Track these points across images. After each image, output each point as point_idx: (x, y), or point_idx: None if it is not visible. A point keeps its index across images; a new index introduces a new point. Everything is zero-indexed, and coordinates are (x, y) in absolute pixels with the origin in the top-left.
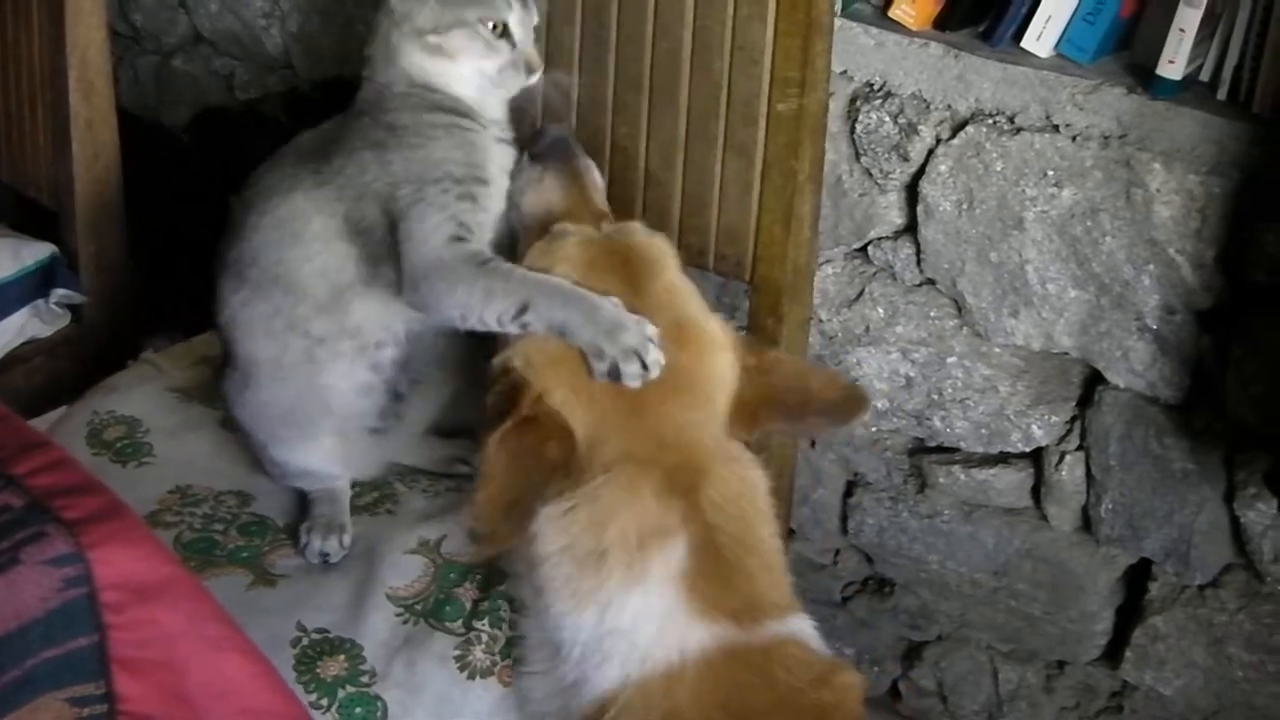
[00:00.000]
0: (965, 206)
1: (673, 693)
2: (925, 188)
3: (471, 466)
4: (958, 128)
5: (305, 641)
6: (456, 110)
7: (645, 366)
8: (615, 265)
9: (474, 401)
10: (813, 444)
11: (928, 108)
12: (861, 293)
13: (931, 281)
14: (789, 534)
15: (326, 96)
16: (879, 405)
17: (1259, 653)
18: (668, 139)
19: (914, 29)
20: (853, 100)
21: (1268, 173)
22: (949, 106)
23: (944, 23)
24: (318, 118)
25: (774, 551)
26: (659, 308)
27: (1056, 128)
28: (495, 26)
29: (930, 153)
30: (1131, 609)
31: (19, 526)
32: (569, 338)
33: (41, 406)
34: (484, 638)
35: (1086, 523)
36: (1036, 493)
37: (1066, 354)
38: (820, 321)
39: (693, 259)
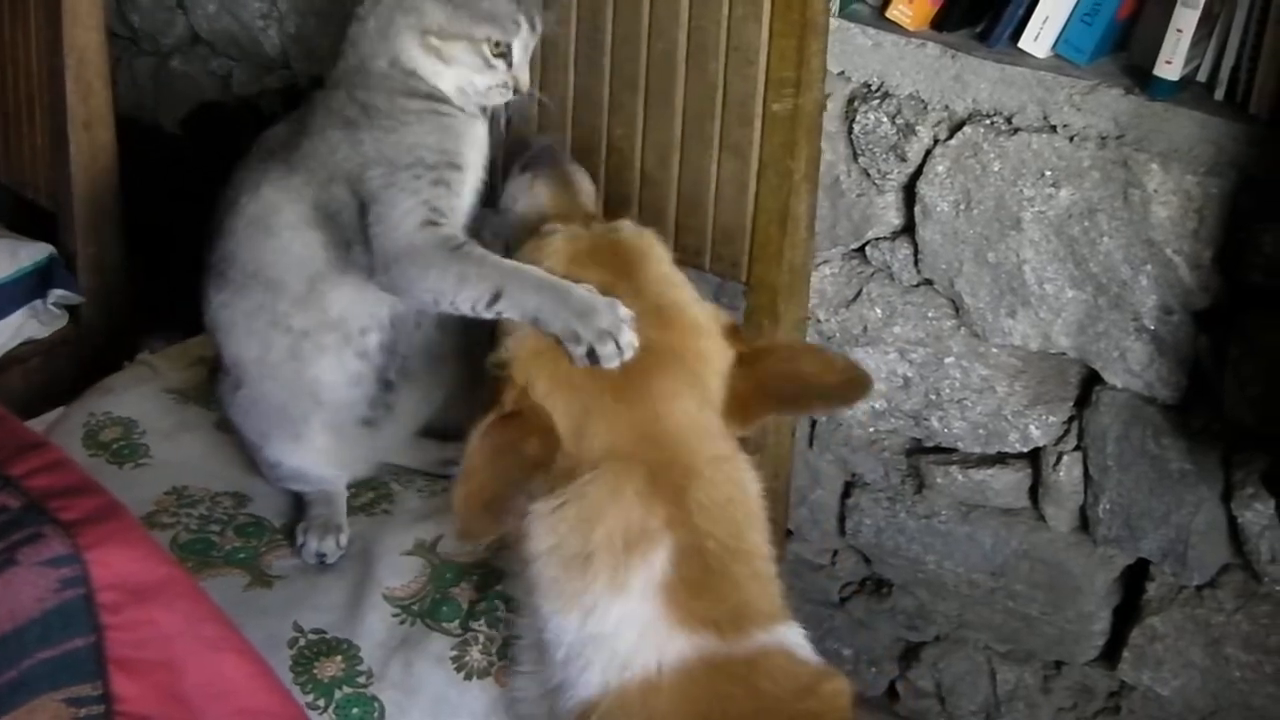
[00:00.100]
0: (963, 207)
1: (650, 703)
2: (923, 188)
3: None
4: (955, 128)
5: (302, 642)
6: (434, 97)
7: (620, 347)
8: (602, 257)
9: (467, 403)
10: (811, 444)
11: (925, 108)
12: (859, 293)
13: (929, 282)
14: (786, 535)
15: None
16: (876, 406)
17: (1256, 653)
18: (663, 139)
19: (911, 29)
20: (850, 101)
21: (1265, 173)
22: (946, 107)
23: (941, 23)
24: None
25: (764, 558)
26: (644, 295)
27: (1054, 128)
28: (498, 45)
29: (928, 153)
30: (1129, 609)
31: (16, 527)
32: (543, 324)
33: (39, 407)
34: (481, 638)
35: (1084, 523)
36: (1034, 493)
37: (1064, 354)
38: (818, 322)
39: (689, 259)
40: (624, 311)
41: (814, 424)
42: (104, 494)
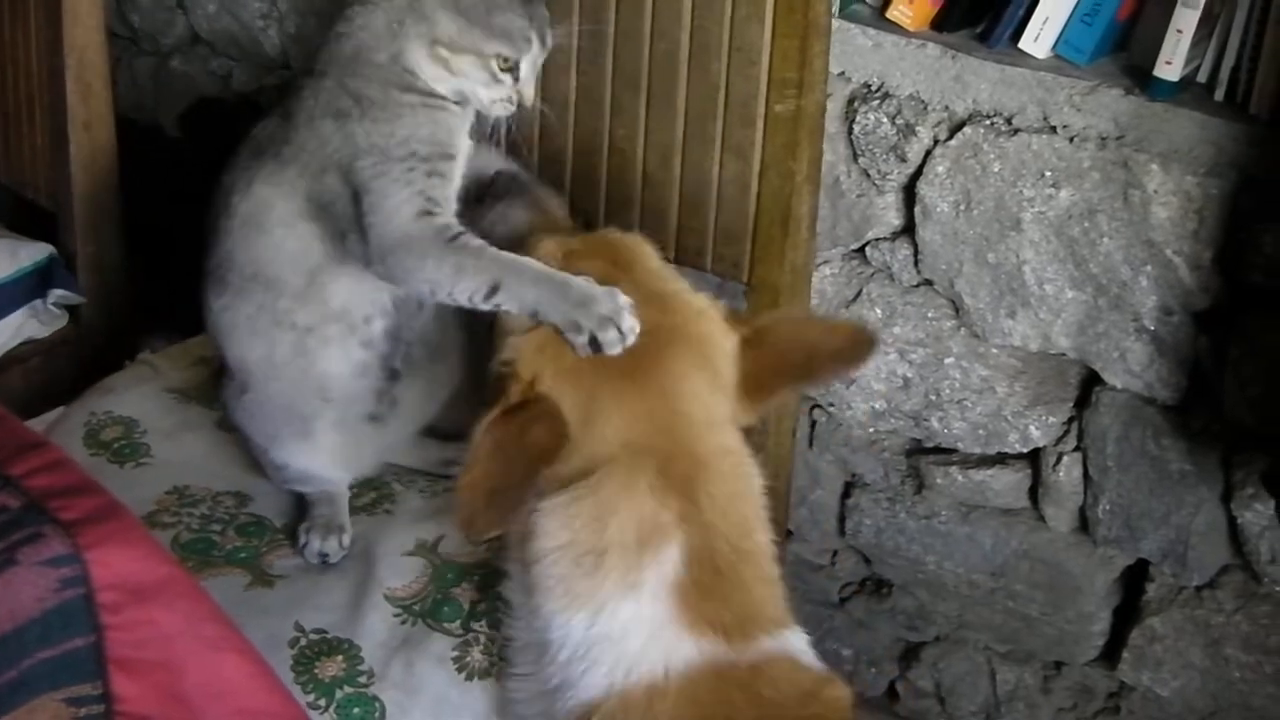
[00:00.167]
0: (963, 207)
1: (654, 709)
2: (923, 189)
3: None
4: (955, 129)
5: (303, 642)
6: (430, 93)
7: (622, 333)
8: (595, 254)
9: (470, 402)
10: (811, 445)
11: (925, 109)
12: (859, 293)
13: (929, 282)
14: (786, 535)
15: None
16: (876, 406)
17: (1256, 653)
18: (665, 140)
19: (911, 30)
20: (850, 101)
21: (1265, 174)
22: (946, 107)
23: (941, 24)
24: None
25: (768, 559)
26: (641, 286)
27: (1054, 129)
28: (506, 61)
29: (928, 154)
30: (1129, 610)
31: (16, 527)
32: (542, 316)
33: (39, 407)
34: (482, 639)
35: (1084, 523)
36: (1034, 493)
37: (1064, 355)
38: None
39: (690, 260)
40: (623, 299)
41: (813, 425)
42: (104, 494)
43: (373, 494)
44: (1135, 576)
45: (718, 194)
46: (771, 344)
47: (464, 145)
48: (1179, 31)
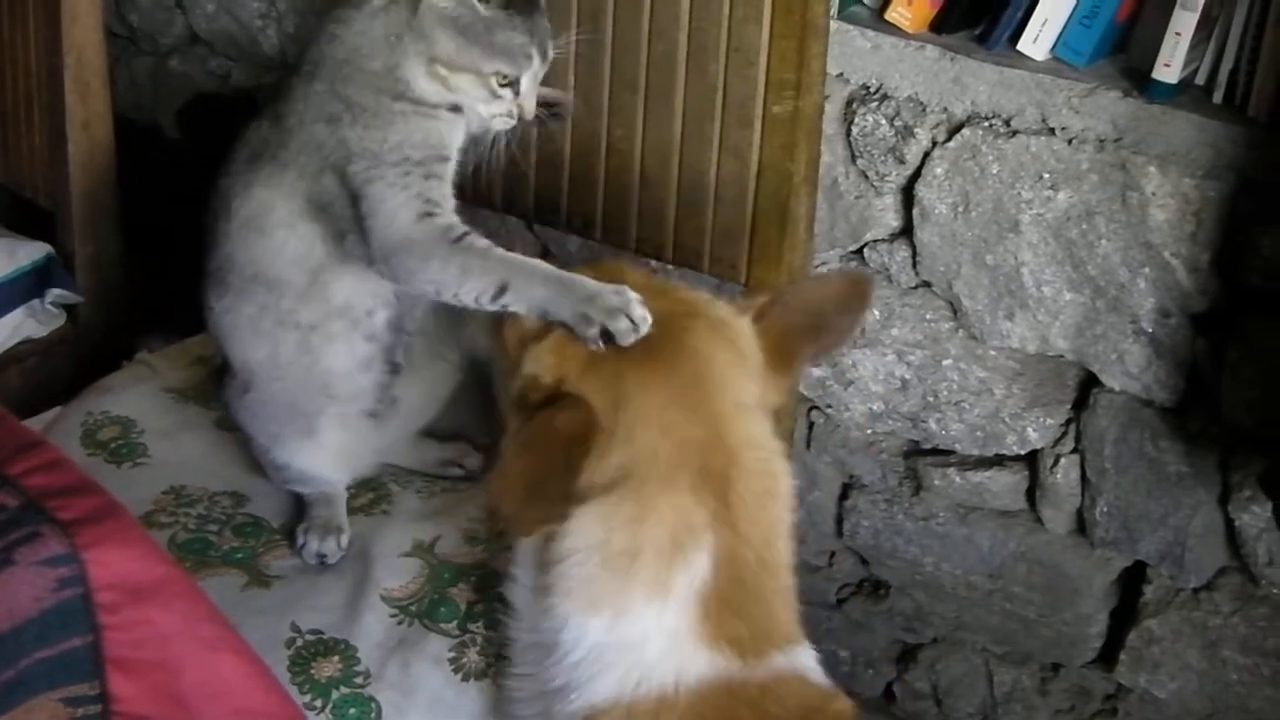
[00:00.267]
0: (961, 209)
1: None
2: (921, 190)
3: (465, 469)
4: (954, 130)
5: (300, 642)
6: (422, 101)
7: (634, 322)
8: (586, 272)
9: (468, 403)
10: (808, 446)
11: (924, 110)
12: None
13: (927, 284)
14: None
15: None
16: (874, 408)
17: (1253, 655)
18: (663, 141)
19: (910, 32)
20: (849, 103)
21: (1263, 176)
22: (945, 109)
23: (940, 25)
24: None
25: (787, 570)
26: (639, 288)
27: (1052, 131)
28: (505, 78)
29: (926, 155)
30: (1126, 612)
31: (14, 527)
32: (551, 315)
33: (37, 406)
34: (479, 639)
35: (1081, 525)
36: (1032, 495)
37: (1062, 357)
38: None
39: (688, 261)
40: (631, 292)
41: (811, 426)
42: (102, 493)
43: (370, 495)
44: (1133, 578)
45: (715, 195)
46: (779, 315)
47: (457, 146)
48: (1177, 34)
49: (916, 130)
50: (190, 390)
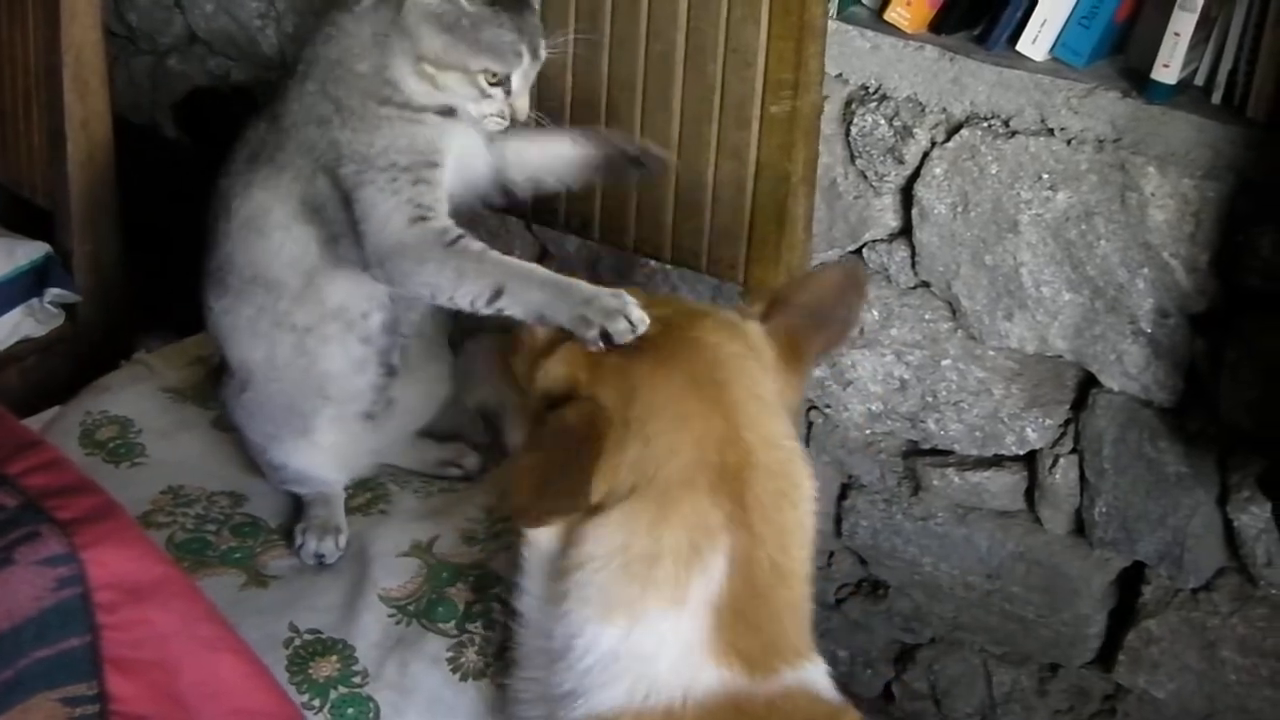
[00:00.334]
0: (960, 209)
1: None
2: (920, 190)
3: (463, 469)
4: (953, 131)
5: (298, 642)
6: (408, 105)
7: (632, 323)
8: None
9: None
10: (807, 446)
11: (923, 111)
12: None
13: (926, 284)
14: None
15: None
16: (873, 408)
17: (1252, 656)
18: (661, 141)
19: (909, 32)
20: (848, 103)
21: (1262, 177)
22: (944, 109)
23: (939, 26)
24: None
25: (803, 580)
26: (644, 303)
27: (1051, 131)
28: (495, 76)
29: (925, 155)
30: (1125, 612)
31: (12, 526)
32: (548, 318)
33: (35, 406)
34: (477, 639)
35: (1080, 526)
36: (1030, 496)
37: (1060, 357)
38: None
39: (686, 261)
40: (628, 295)
41: (810, 426)
42: (100, 493)
43: (368, 495)
44: (1131, 579)
45: (713, 195)
46: (784, 315)
47: (451, 152)
48: (1176, 34)
49: (915, 130)
50: (188, 390)
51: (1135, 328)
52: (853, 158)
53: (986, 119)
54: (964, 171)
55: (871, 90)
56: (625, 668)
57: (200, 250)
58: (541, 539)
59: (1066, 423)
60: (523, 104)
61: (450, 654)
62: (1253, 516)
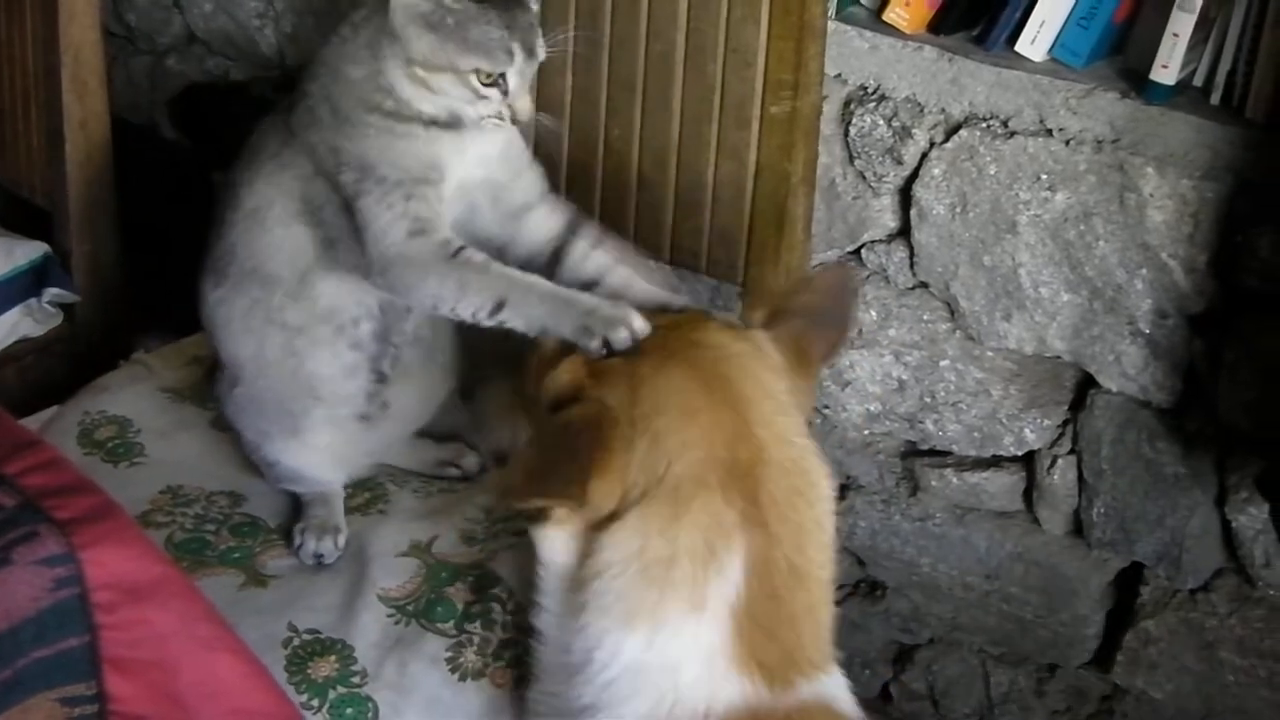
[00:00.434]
0: (959, 210)
1: None
2: (919, 191)
3: (462, 469)
4: (951, 131)
5: (296, 642)
6: (397, 115)
7: (634, 332)
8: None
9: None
10: None
11: (921, 111)
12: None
13: (924, 285)
14: None
15: None
16: (871, 408)
17: (1250, 657)
18: (661, 141)
19: (908, 32)
20: (847, 103)
21: (1261, 177)
22: (943, 110)
23: (938, 26)
24: None
25: (822, 583)
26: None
27: (1050, 132)
28: (488, 76)
29: (924, 156)
30: (1123, 613)
31: (10, 526)
32: (551, 331)
33: (34, 405)
34: (475, 639)
35: (1078, 526)
36: (1028, 496)
37: (1059, 358)
38: None
39: (685, 262)
40: (629, 306)
41: (808, 426)
42: (99, 493)
43: (367, 494)
44: (1129, 580)
45: (713, 196)
46: (785, 319)
47: (447, 168)
48: (1175, 35)
49: (914, 131)
50: (187, 390)
51: (1134, 328)
52: (852, 158)
53: (985, 119)
54: (963, 172)
55: (870, 91)
56: (648, 682)
57: (199, 250)
58: (558, 555)
59: (1065, 423)
60: (524, 105)
61: (449, 654)
62: (1251, 517)
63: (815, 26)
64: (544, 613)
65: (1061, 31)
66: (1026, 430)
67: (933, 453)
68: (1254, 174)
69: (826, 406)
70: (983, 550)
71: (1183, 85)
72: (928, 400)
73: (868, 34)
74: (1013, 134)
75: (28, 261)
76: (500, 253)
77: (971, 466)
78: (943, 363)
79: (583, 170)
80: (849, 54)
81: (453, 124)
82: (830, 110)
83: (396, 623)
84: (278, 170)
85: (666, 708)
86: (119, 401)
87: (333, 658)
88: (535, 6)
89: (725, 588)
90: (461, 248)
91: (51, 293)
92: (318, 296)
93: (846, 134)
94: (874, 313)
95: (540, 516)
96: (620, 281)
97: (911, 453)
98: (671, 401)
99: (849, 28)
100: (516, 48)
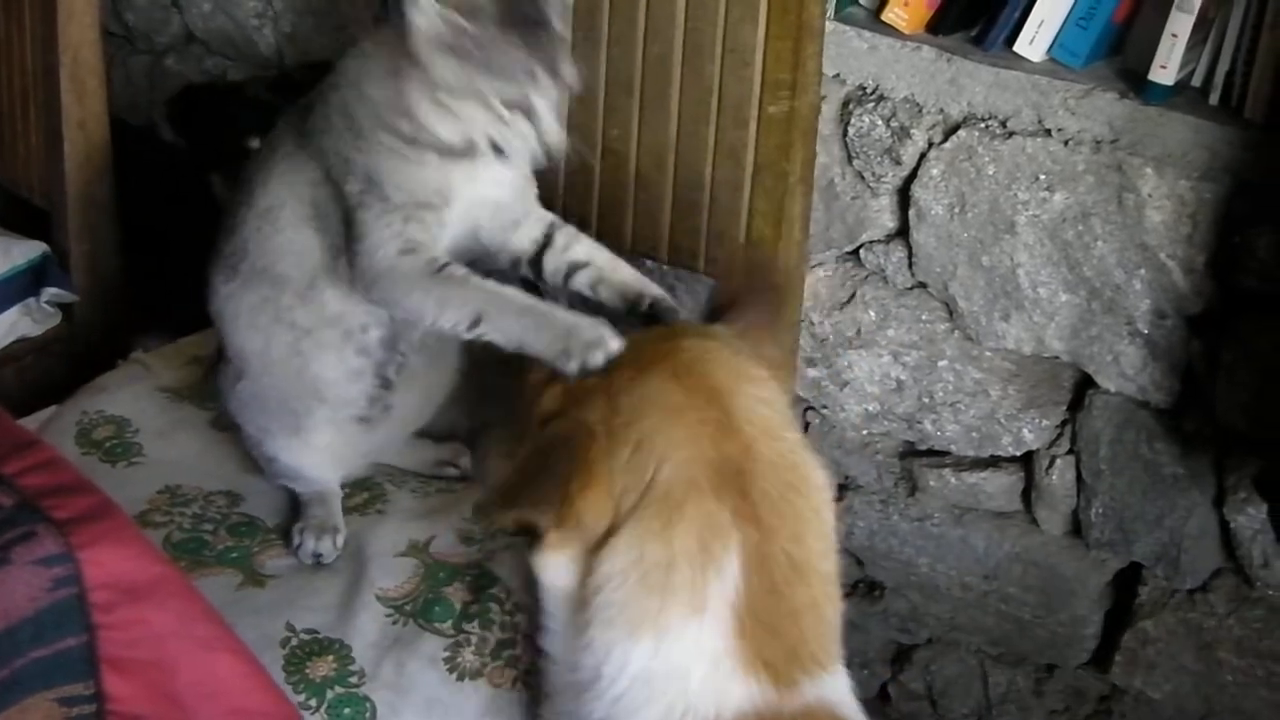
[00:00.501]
0: (957, 210)
1: None
2: (917, 191)
3: (460, 469)
4: (950, 131)
5: (294, 642)
6: (411, 140)
7: (609, 353)
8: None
9: (464, 405)
10: None
11: (920, 111)
12: (853, 296)
13: (923, 285)
14: None
15: (314, 79)
16: (870, 408)
17: (1248, 657)
18: (659, 141)
19: (907, 33)
20: (845, 103)
21: (1259, 178)
22: (941, 110)
23: (937, 26)
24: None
25: (826, 578)
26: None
27: (1048, 132)
28: (513, 102)
29: (922, 156)
30: (1121, 613)
31: (9, 526)
32: (527, 348)
33: (32, 405)
34: (474, 639)
35: (1077, 526)
36: (1027, 496)
37: (1057, 358)
38: (811, 324)
39: (683, 261)
40: (605, 324)
41: (806, 426)
42: (97, 493)
43: (365, 494)
44: (1128, 580)
45: (711, 195)
46: (729, 316)
47: (456, 195)
48: (1174, 35)
49: (913, 131)
50: (185, 390)
51: (1132, 329)
52: (850, 158)
53: (984, 120)
54: (961, 172)
55: (869, 91)
56: (657, 691)
57: (198, 250)
58: (560, 579)
59: (1063, 423)
60: (553, 131)
61: (447, 654)
62: (1249, 518)
63: (813, 26)
64: (551, 635)
65: (1060, 32)
66: (1025, 430)
67: (931, 453)
68: (1252, 174)
69: (825, 406)
70: (981, 550)
71: (1181, 86)
72: (926, 400)
73: (866, 34)
74: (1011, 134)
75: (26, 261)
76: (491, 257)
77: (970, 467)
78: (941, 363)
79: (581, 170)
80: (847, 54)
81: (468, 152)
82: (829, 110)
83: (394, 622)
84: (292, 171)
85: (678, 716)
86: (117, 401)
87: (331, 657)
88: (563, 29)
89: (724, 587)
90: (446, 264)
91: (50, 292)
92: (326, 301)
93: (845, 134)
94: (873, 313)
95: (537, 542)
96: (606, 262)
97: (910, 453)
98: (652, 406)
99: (847, 28)
100: (539, 70)
